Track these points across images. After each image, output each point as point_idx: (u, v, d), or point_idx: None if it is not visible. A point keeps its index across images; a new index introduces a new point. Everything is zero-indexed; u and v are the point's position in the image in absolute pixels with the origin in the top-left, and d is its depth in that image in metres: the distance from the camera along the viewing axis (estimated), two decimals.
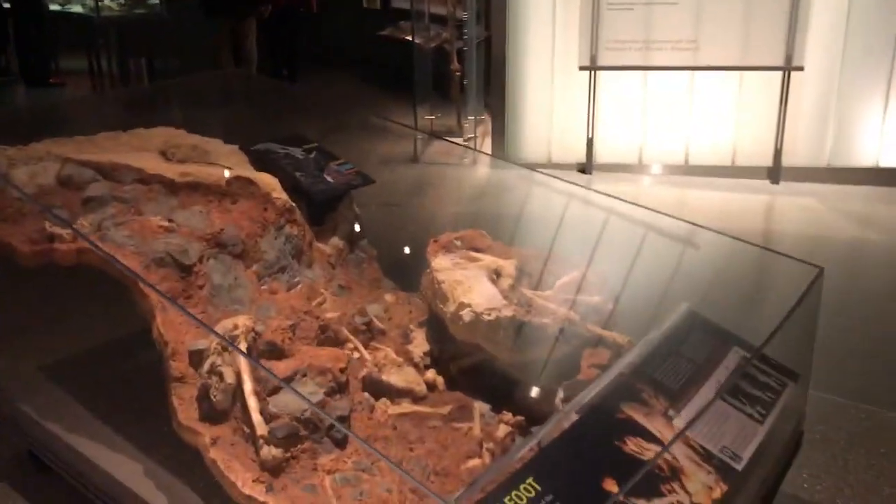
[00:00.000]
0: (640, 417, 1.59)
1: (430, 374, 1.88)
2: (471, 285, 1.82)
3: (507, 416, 1.78)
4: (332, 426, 1.54)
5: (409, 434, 1.67)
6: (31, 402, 2.10)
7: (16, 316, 2.68)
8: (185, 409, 1.65)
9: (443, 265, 1.90)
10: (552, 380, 1.86)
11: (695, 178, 5.19)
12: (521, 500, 1.33)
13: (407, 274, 2.27)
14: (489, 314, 1.75)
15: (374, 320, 1.97)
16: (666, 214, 2.24)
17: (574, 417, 1.57)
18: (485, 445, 1.69)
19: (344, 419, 1.56)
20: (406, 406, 1.74)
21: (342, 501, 1.45)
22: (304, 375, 1.58)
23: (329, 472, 1.50)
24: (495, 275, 1.90)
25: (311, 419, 1.53)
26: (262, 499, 1.46)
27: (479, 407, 1.78)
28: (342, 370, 1.61)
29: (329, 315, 1.95)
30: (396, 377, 1.84)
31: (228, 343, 1.61)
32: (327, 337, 1.82)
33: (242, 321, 1.66)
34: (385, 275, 2.37)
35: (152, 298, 1.76)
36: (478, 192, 4.95)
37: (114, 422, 1.96)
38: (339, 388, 1.59)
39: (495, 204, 4.45)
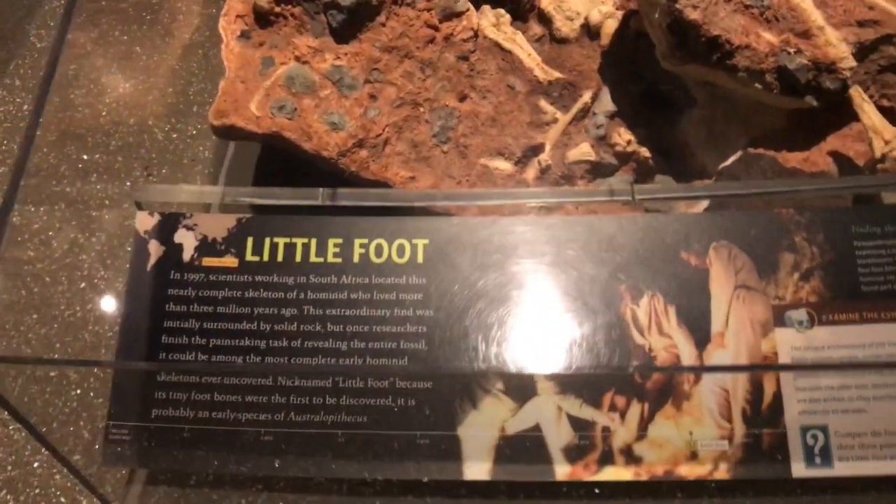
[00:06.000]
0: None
1: (600, 12, 1.18)
2: None
3: (623, 134, 1.11)
4: (331, 4, 1.09)
5: (471, 73, 1.13)
6: None
7: None
8: None
9: None
10: (736, 125, 1.09)
11: None
12: None
13: None
14: None
15: None
16: None
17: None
18: (540, 163, 1.10)
19: (343, 5, 1.08)
20: (510, 35, 1.15)
21: (267, 101, 1.07)
22: None
23: (297, 60, 1.10)
24: None
25: None
26: (229, 42, 1.14)
27: (589, 100, 1.12)
28: None
29: None
30: None
31: None
32: None
33: None
34: None
35: None
36: None
37: None
38: None
39: None
